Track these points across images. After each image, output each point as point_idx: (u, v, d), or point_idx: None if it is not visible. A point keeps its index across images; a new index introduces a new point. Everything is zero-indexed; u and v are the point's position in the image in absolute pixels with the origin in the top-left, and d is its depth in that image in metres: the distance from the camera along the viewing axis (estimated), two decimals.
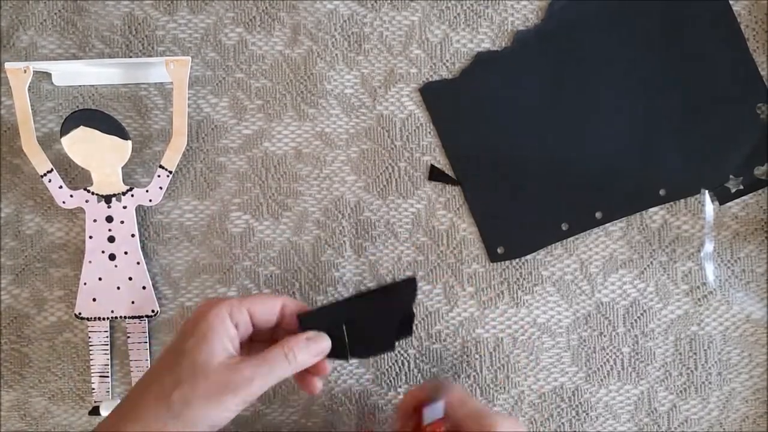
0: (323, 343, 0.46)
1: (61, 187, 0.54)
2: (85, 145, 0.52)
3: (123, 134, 0.52)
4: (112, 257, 0.54)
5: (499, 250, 0.56)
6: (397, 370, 0.56)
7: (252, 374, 0.42)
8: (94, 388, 0.55)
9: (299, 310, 0.47)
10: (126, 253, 0.54)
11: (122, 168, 0.53)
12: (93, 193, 0.54)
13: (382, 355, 0.56)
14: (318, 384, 0.48)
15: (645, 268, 0.56)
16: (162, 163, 0.54)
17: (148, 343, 0.55)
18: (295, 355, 0.44)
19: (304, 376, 0.47)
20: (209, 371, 0.41)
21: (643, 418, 0.56)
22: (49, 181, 0.54)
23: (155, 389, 0.42)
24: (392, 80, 0.56)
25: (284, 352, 0.44)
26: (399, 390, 0.56)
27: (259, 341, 0.47)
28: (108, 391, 0.55)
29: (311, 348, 0.45)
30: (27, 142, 0.53)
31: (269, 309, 0.46)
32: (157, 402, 0.41)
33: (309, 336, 0.45)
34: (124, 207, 0.54)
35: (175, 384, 0.41)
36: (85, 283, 0.54)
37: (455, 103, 0.56)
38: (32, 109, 0.53)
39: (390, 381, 0.56)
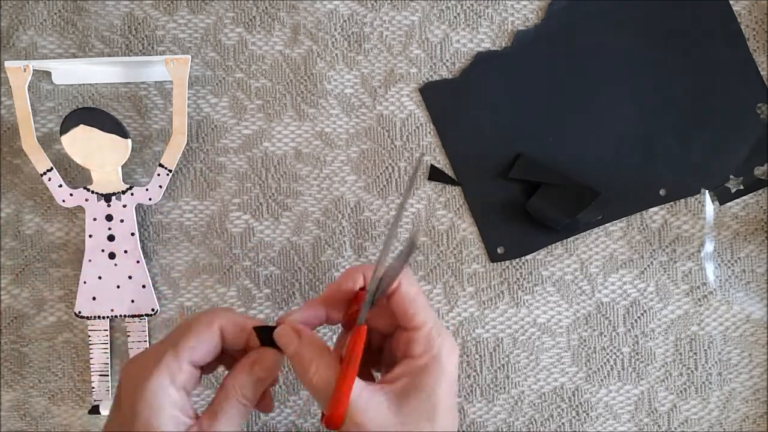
0: (269, 358, 0.41)
1: (60, 185, 0.54)
2: (84, 144, 0.52)
3: (123, 133, 0.52)
4: (111, 256, 0.54)
5: (499, 250, 0.56)
6: None
7: None
8: (93, 387, 0.55)
9: (239, 323, 0.42)
10: (126, 251, 0.54)
11: (122, 167, 0.53)
12: (93, 192, 0.54)
13: None
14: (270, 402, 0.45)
15: (645, 268, 0.56)
16: (162, 162, 0.54)
17: (147, 342, 0.55)
18: (244, 393, 0.40)
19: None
20: None
21: (643, 418, 0.56)
22: (49, 179, 0.54)
23: None
24: (392, 80, 0.56)
25: (233, 396, 0.40)
26: None
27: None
28: (108, 390, 0.55)
29: (255, 371, 0.41)
30: (27, 141, 0.53)
31: (206, 347, 0.41)
32: None
33: (252, 359, 0.41)
34: (124, 206, 0.54)
35: None
36: (84, 282, 0.54)
37: (455, 103, 0.56)
38: (32, 109, 0.53)
39: None
